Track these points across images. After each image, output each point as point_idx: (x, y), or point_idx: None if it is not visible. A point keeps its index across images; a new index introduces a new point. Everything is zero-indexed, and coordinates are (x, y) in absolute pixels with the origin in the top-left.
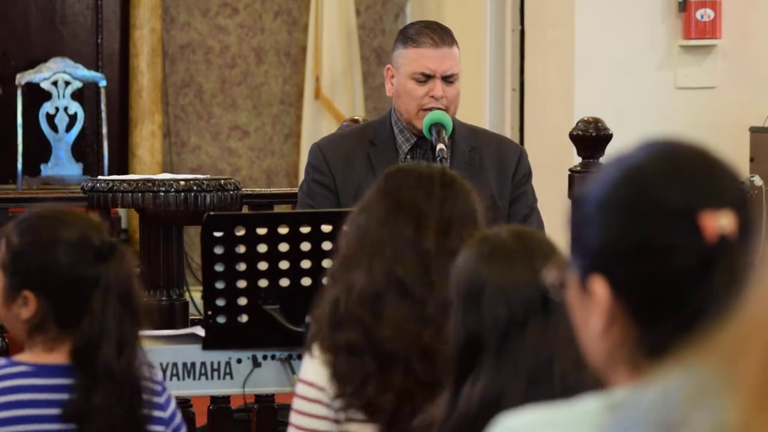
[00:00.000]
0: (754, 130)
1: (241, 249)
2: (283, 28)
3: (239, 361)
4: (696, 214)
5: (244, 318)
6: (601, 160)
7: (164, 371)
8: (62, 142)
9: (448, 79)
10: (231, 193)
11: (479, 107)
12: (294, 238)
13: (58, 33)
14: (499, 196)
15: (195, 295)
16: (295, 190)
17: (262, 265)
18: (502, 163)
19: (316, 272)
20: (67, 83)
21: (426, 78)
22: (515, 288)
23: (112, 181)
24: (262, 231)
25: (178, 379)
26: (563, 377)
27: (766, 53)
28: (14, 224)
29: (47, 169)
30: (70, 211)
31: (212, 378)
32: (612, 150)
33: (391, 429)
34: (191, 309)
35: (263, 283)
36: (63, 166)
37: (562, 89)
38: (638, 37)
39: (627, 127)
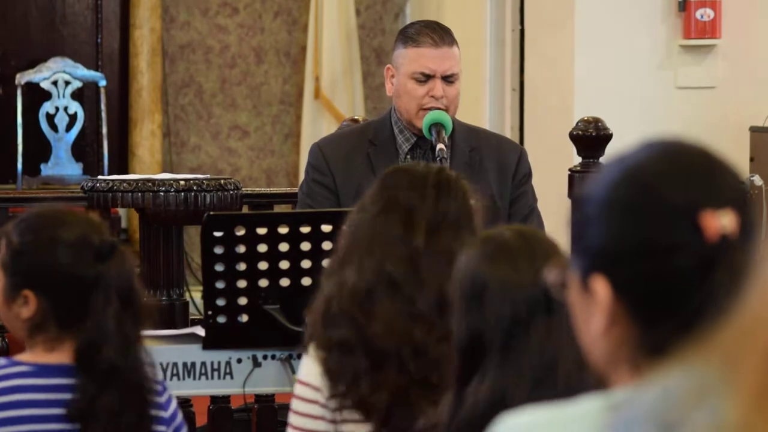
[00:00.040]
0: (754, 130)
1: (241, 249)
2: (283, 27)
3: (239, 360)
4: (697, 214)
5: (244, 318)
6: (601, 160)
7: (164, 371)
8: (62, 142)
9: (448, 79)
10: (231, 192)
11: (479, 107)
12: (294, 238)
13: (58, 33)
14: (499, 196)
15: (195, 295)
16: (295, 190)
17: (262, 265)
18: (502, 163)
19: (316, 272)
20: (67, 83)
21: (426, 78)
22: (518, 287)
23: (112, 180)
24: (262, 231)
25: (179, 378)
26: (567, 377)
27: (766, 53)
28: (14, 224)
29: (47, 169)
30: (70, 211)
31: (212, 378)
32: (612, 150)
33: (386, 428)
34: (191, 309)
35: (263, 282)
36: (63, 165)
37: (562, 89)
38: (638, 37)
39: (627, 127)
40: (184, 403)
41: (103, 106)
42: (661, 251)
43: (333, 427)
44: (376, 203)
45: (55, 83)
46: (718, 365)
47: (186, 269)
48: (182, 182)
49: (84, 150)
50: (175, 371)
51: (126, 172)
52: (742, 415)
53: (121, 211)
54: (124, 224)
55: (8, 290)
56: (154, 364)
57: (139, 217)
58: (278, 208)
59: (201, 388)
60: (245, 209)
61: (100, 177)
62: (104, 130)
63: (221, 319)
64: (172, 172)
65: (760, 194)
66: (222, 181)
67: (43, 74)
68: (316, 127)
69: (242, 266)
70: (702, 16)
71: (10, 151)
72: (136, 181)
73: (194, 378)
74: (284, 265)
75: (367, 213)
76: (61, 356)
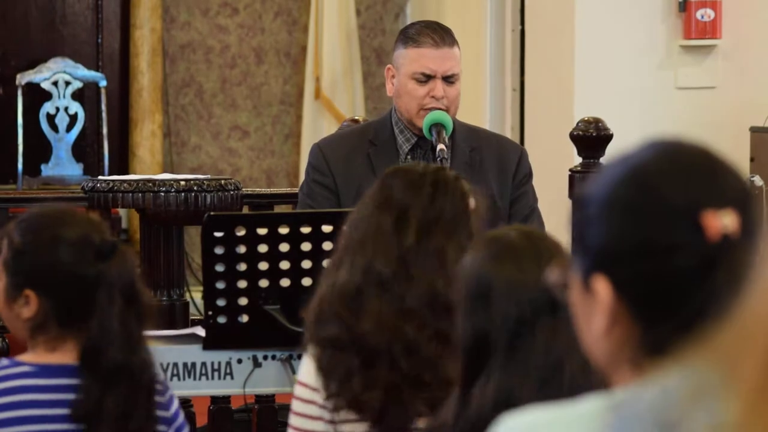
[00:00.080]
0: (754, 130)
1: (242, 249)
2: (283, 28)
3: (240, 361)
4: (698, 214)
5: (244, 318)
6: (602, 160)
7: (165, 371)
8: (62, 142)
9: (448, 80)
10: (231, 193)
11: (479, 107)
12: (294, 239)
13: (58, 33)
14: (499, 196)
15: (195, 295)
16: (296, 190)
17: (263, 265)
18: (502, 163)
19: (316, 272)
20: (67, 83)
21: (427, 78)
22: (524, 287)
23: (113, 181)
24: (262, 231)
25: (179, 379)
26: (573, 377)
27: (766, 53)
28: (15, 224)
29: (47, 169)
30: (71, 211)
31: (213, 378)
32: (612, 150)
33: (380, 427)
34: (192, 309)
35: (264, 283)
36: (63, 166)
37: (562, 89)
38: (638, 37)
39: (627, 127)
40: (185, 403)
41: (103, 107)
42: (662, 251)
43: (331, 427)
44: (371, 203)
45: (55, 83)
46: (718, 365)
47: (186, 269)
48: (183, 182)
49: (84, 150)
50: (175, 371)
51: (126, 173)
52: (741, 415)
53: (122, 212)
54: (124, 224)
55: (9, 290)
56: (156, 363)
57: (139, 218)
58: (279, 209)
59: (201, 389)
60: (246, 210)
61: (100, 177)
62: (105, 131)
63: (221, 320)
64: (172, 172)
65: (761, 194)
66: (222, 182)
67: (44, 74)
68: (316, 127)
69: (243, 266)
70: (702, 17)
71: (11, 151)
72: (137, 181)
73: (194, 378)
74: (284, 265)
75: (364, 213)
76: (63, 356)
